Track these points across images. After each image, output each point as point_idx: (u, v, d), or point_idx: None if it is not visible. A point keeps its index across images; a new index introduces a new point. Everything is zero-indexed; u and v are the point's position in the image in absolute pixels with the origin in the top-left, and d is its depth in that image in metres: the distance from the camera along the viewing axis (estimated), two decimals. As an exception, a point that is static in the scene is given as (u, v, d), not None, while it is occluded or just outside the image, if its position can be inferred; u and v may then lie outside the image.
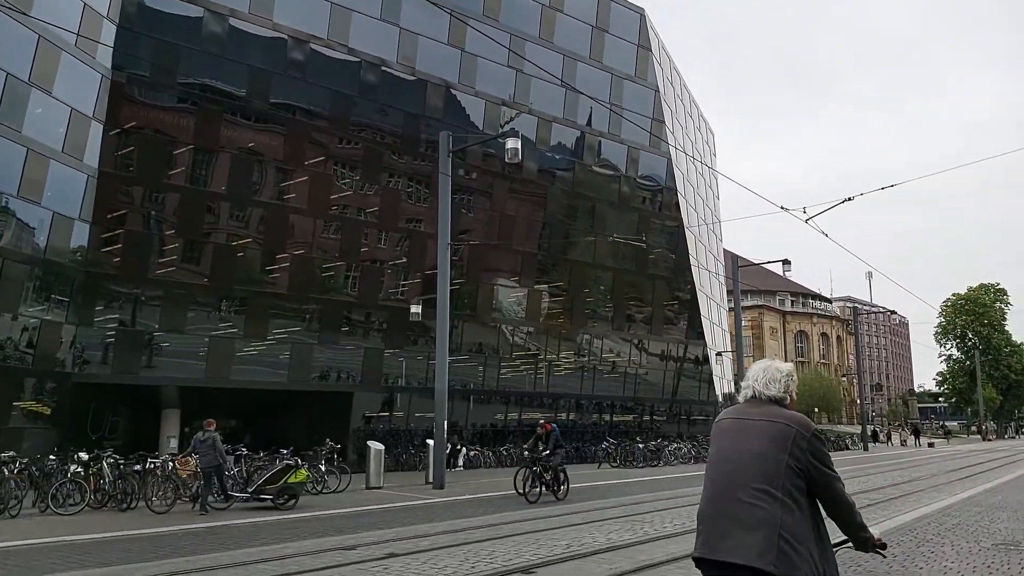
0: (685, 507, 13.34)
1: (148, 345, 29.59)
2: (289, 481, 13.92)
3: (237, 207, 31.68)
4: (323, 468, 17.09)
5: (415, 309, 24.46)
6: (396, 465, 32.85)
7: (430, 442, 20.74)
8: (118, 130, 28.55)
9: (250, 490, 14.11)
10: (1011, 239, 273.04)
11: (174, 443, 31.23)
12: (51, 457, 19.40)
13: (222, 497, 13.49)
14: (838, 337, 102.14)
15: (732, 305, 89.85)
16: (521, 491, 15.43)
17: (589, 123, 42.96)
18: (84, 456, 16.91)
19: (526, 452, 16.53)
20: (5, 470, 14.68)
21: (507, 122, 39.81)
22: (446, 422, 18.18)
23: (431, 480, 18.19)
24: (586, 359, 43.36)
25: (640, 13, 44.83)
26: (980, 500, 14.82)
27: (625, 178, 44.99)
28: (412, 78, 36.05)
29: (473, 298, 38.56)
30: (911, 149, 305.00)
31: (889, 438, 65.97)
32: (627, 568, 7.51)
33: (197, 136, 30.46)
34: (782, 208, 15.94)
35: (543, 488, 15.31)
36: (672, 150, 46.49)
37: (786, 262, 30.96)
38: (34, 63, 24.88)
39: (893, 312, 70.26)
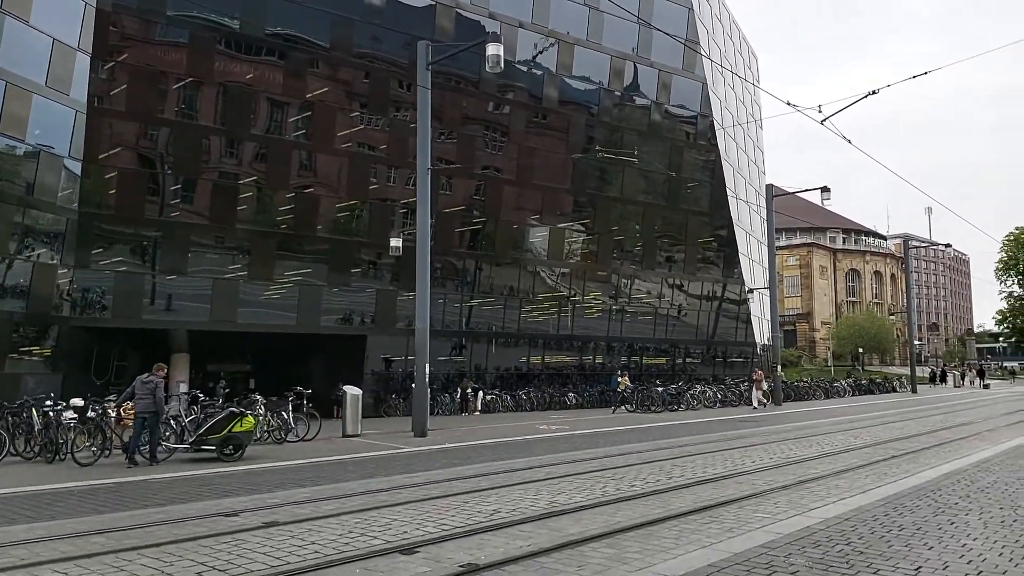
0: (656, 461, 11.61)
1: (149, 288, 28.70)
2: (234, 430, 12.60)
3: (236, 143, 30.23)
4: (286, 415, 15.75)
5: (395, 243, 22.75)
6: (409, 410, 31.78)
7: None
8: (106, 62, 27.19)
9: (190, 440, 12.86)
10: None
11: (183, 387, 30.56)
12: (47, 403, 18.59)
13: (148, 455, 12.25)
14: (892, 275, 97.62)
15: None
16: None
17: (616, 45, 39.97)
18: (79, 402, 15.87)
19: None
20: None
21: (538, 53, 37.39)
22: (428, 365, 16.70)
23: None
24: (615, 300, 41.40)
25: (671, -77, 41.25)
26: (1029, 451, 12.72)
27: (656, 105, 42.13)
28: (420, 2, 33.75)
29: (494, 237, 36.80)
30: (963, 75, 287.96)
31: (943, 379, 62.85)
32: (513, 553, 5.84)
33: (191, 68, 28.88)
34: (788, 104, 13.61)
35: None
36: (708, 74, 43.29)
37: (825, 189, 28.37)
38: (6, -11, 23.42)
39: (948, 245, 65.96)
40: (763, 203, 51.07)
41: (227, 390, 26.95)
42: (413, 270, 33.92)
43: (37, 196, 25.32)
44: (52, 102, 25.31)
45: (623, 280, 41.80)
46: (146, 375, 13.14)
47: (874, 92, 13.72)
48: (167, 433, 13.20)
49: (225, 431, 12.61)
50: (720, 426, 19.31)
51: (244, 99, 30.14)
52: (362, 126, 32.92)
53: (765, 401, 27.81)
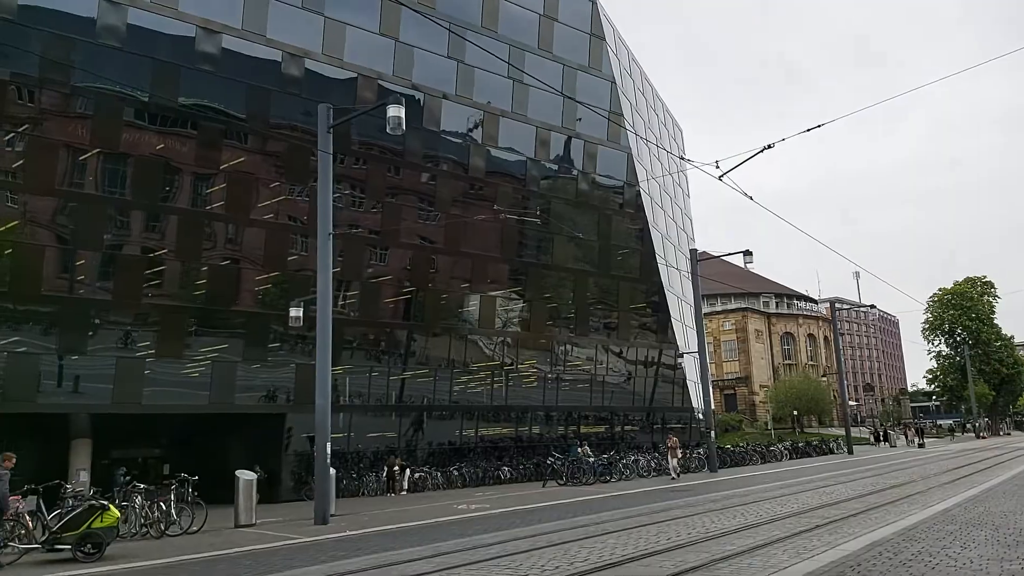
0: (565, 543, 10.61)
1: (46, 369, 26.67)
2: (93, 526, 11.13)
3: (145, 215, 28.91)
4: (164, 506, 14.19)
5: (294, 312, 21.60)
6: (336, 492, 29.95)
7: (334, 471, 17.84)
8: (5, 133, 25.85)
9: (41, 539, 11.32)
10: (991, 231, 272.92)
11: (84, 476, 28.30)
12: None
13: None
14: (825, 338, 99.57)
15: (706, 305, 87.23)
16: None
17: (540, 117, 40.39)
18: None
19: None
20: None
21: (474, 127, 37.49)
22: (329, 445, 15.45)
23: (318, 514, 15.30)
24: (550, 368, 40.62)
25: (591, 1, 42.45)
26: (956, 515, 12.14)
27: (583, 175, 42.47)
28: (342, 75, 33.49)
29: (424, 307, 35.88)
30: (885, 149, 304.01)
31: (884, 438, 63.41)
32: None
33: (97, 139, 27.69)
34: (682, 158, 13.36)
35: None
36: (633, 145, 43.99)
37: (747, 253, 28.47)
38: None
39: (872, 307, 67.75)
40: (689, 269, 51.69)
41: (127, 478, 24.93)
42: (335, 343, 33.26)
43: (-83, 273, 23.48)
44: (-62, 174, 23.77)
45: (558, 347, 41.18)
46: None
47: (770, 146, 13.61)
48: (18, 531, 11.59)
49: (83, 527, 11.13)
50: (648, 498, 18.39)
51: (154, 170, 28.99)
52: (282, 196, 32.01)
53: (679, 471, 26.82)
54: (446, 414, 36.80)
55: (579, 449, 31.20)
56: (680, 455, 27.20)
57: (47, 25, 26.79)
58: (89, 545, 11.20)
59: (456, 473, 31.94)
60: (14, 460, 12.09)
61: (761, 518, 12.90)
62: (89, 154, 27.61)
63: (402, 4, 32.43)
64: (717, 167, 13.85)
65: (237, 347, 30.59)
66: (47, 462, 28.28)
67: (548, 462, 27.17)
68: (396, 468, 29.66)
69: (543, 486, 25.46)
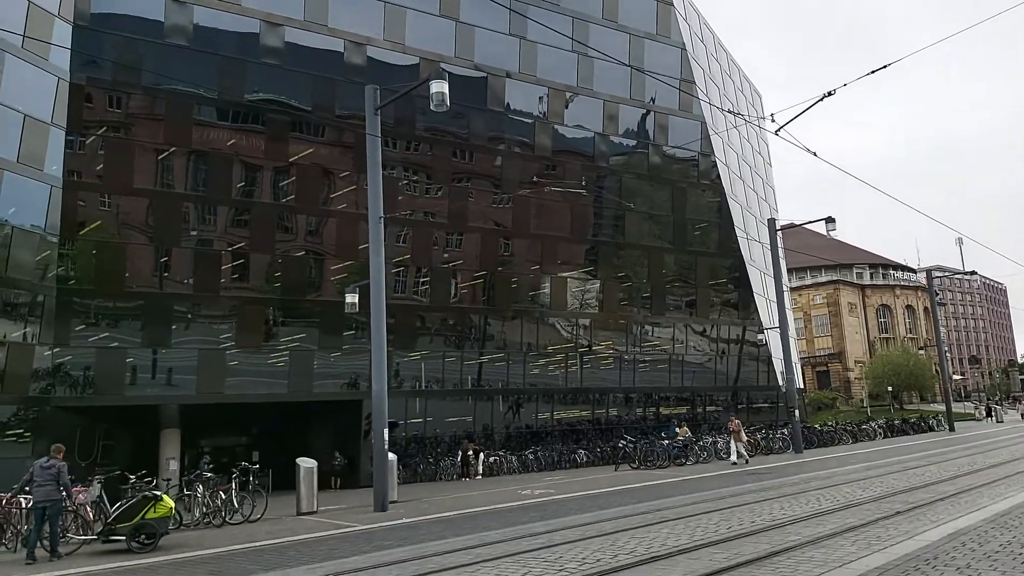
0: (615, 532, 10.03)
1: (132, 362, 27.79)
2: (147, 517, 11.28)
3: (219, 209, 29.66)
4: (224, 495, 14.34)
5: (350, 299, 21.56)
6: (413, 477, 30.29)
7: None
8: (82, 136, 26.92)
9: (97, 531, 11.56)
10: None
11: (174, 465, 29.43)
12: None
13: (50, 549, 10.95)
14: (925, 309, 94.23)
15: (794, 279, 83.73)
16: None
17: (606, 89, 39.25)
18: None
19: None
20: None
21: (566, 104, 36.99)
22: (386, 430, 15.30)
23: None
24: (628, 348, 39.75)
25: (657, -35, 40.92)
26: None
27: (654, 147, 41.16)
28: (405, 61, 33.39)
29: (497, 290, 35.66)
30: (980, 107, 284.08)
31: (989, 414, 59.67)
32: None
33: (169, 137, 28.56)
34: (730, 112, 12.31)
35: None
36: (707, 113, 42.30)
37: (830, 220, 26.81)
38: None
39: (972, 273, 63.33)
40: (779, 241, 49.47)
41: (211, 465, 25.71)
42: (409, 329, 33.51)
43: (11, 274, 24.73)
44: (25, 178, 24.93)
45: (635, 327, 40.25)
46: (46, 459, 11.92)
47: (830, 93, 12.42)
48: (78, 522, 11.91)
49: (137, 518, 11.29)
50: (720, 482, 17.55)
51: (225, 165, 29.68)
52: (352, 185, 32.27)
53: (746, 456, 24.42)
54: (523, 397, 36.56)
55: (677, 428, 30.32)
56: (745, 438, 25.38)
57: (119, 29, 27.70)
58: (143, 536, 11.37)
59: (531, 457, 31.65)
60: (63, 451, 12.34)
61: (837, 504, 11.98)
62: (164, 153, 28.48)
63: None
64: (772, 120, 12.87)
65: (314, 336, 31.14)
66: (139, 452, 29.57)
67: (620, 445, 26.46)
68: (470, 452, 29.56)
69: (615, 470, 24.83)
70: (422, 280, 33.93)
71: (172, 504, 11.73)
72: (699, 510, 12.11)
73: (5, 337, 24.60)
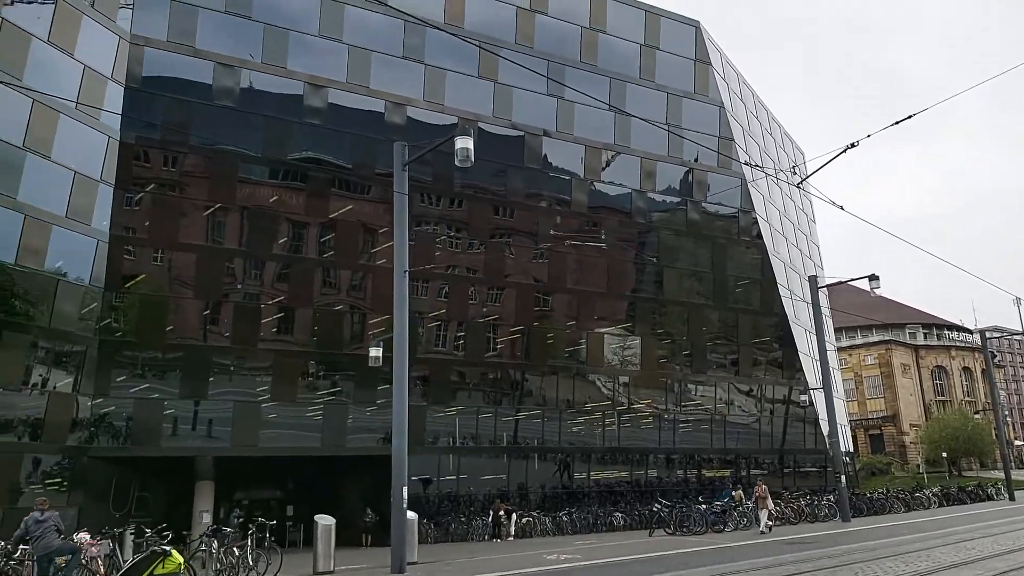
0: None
1: (169, 413, 28.06)
2: (156, 572, 11.11)
3: (258, 264, 30.19)
4: (238, 551, 14.08)
5: (374, 353, 21.46)
6: (445, 536, 29.71)
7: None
8: (129, 192, 27.82)
9: (107, 586, 11.44)
10: None
11: (207, 518, 29.38)
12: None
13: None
14: (983, 371, 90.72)
15: (844, 339, 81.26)
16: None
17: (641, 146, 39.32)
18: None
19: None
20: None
21: (607, 164, 37.35)
22: (405, 488, 14.98)
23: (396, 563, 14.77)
24: (667, 407, 38.84)
25: (695, 25, 41.29)
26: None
27: (693, 203, 40.89)
28: (443, 120, 34.00)
29: (533, 345, 35.37)
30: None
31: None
32: None
33: (213, 195, 29.39)
34: (749, 164, 12.03)
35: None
36: (746, 170, 42.01)
37: (873, 277, 25.98)
38: (29, 127, 24.30)
39: (1033, 333, 60.68)
40: (825, 300, 48.29)
41: (240, 519, 25.59)
42: (444, 384, 33.31)
43: (55, 325, 25.36)
44: (73, 232, 25.75)
45: (675, 385, 39.38)
46: (40, 513, 11.75)
47: (853, 145, 12.09)
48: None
49: (145, 574, 11.12)
50: (756, 552, 16.68)
51: (268, 222, 30.32)
52: (390, 242, 32.53)
53: (771, 523, 23.11)
54: (559, 456, 35.82)
55: (733, 492, 29.23)
56: (772, 505, 24.02)
57: (168, 91, 28.83)
58: (153, 591, 11.17)
59: (566, 519, 30.79)
60: (48, 502, 12.20)
61: (874, 580, 11.21)
62: (208, 209, 29.24)
63: (497, 54, 32.52)
64: (794, 173, 12.54)
65: (349, 389, 31.17)
66: (174, 504, 29.70)
67: (654, 509, 25.55)
68: (501, 513, 28.88)
69: (650, 535, 23.91)
70: (458, 335, 33.86)
71: (181, 560, 11.52)
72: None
73: (48, 386, 25.10)
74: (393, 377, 15.52)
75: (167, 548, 11.26)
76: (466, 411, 33.49)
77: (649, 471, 37.96)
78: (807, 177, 12.93)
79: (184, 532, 25.24)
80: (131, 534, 22.48)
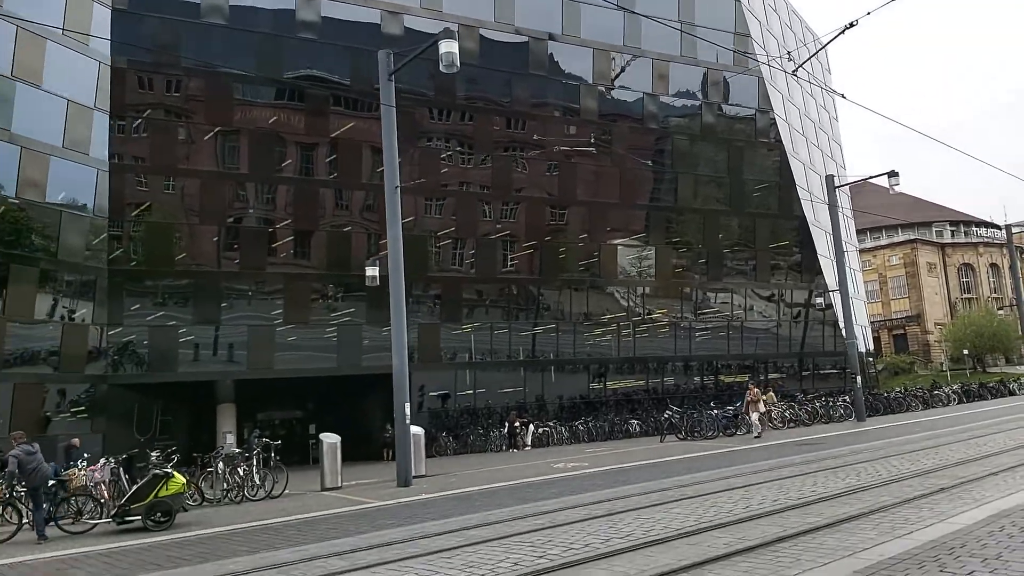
0: (616, 514, 9.43)
1: (183, 339, 28.37)
2: (160, 495, 11.26)
3: (262, 187, 29.84)
4: (243, 470, 14.30)
5: (370, 272, 21.25)
6: (464, 448, 30.22)
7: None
8: (125, 119, 27.34)
9: (113, 513, 11.59)
10: None
11: (231, 439, 30.04)
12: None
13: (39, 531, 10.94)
14: (1011, 267, 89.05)
15: (868, 239, 79.86)
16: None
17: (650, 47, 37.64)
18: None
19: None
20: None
21: (621, 70, 35.89)
22: (407, 405, 14.98)
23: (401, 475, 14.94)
24: (683, 316, 38.61)
25: (706, -87, 38.84)
26: None
27: (707, 105, 39.47)
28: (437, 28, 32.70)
29: (545, 260, 35.02)
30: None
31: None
32: None
33: (211, 117, 28.79)
34: (745, 54, 11.26)
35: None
36: (765, 68, 40.26)
37: (892, 174, 25.03)
38: (15, 56, 23.71)
39: (1058, 226, 59.02)
40: (847, 202, 47.02)
41: (262, 440, 26.15)
42: (458, 302, 33.26)
43: (62, 257, 25.41)
44: (72, 163, 25.46)
45: (691, 293, 39.03)
46: (28, 445, 11.70)
47: (852, 24, 11.19)
48: (93, 503, 11.98)
49: (150, 497, 11.28)
50: (765, 453, 16.64)
51: (267, 143, 29.76)
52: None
53: (761, 427, 22.20)
54: (576, 368, 35.99)
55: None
56: (763, 408, 23.03)
57: (156, 11, 27.88)
58: (159, 513, 11.35)
59: (582, 428, 31.12)
60: (24, 436, 12.19)
61: (878, 478, 11.03)
62: (206, 133, 28.71)
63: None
64: (789, 59, 11.70)
65: (361, 310, 31.19)
66: (197, 427, 30.37)
67: (665, 415, 25.61)
68: (517, 424, 29.22)
69: (661, 441, 24.05)
70: (471, 252, 33.55)
71: (183, 480, 11.69)
72: (725, 486, 11.36)
73: (61, 316, 25.37)
74: (390, 295, 15.26)
75: (169, 471, 11.38)
76: (481, 327, 33.52)
77: (666, 379, 38.10)
78: (805, 61, 12.09)
79: (210, 453, 25.91)
80: (157, 456, 23.06)
